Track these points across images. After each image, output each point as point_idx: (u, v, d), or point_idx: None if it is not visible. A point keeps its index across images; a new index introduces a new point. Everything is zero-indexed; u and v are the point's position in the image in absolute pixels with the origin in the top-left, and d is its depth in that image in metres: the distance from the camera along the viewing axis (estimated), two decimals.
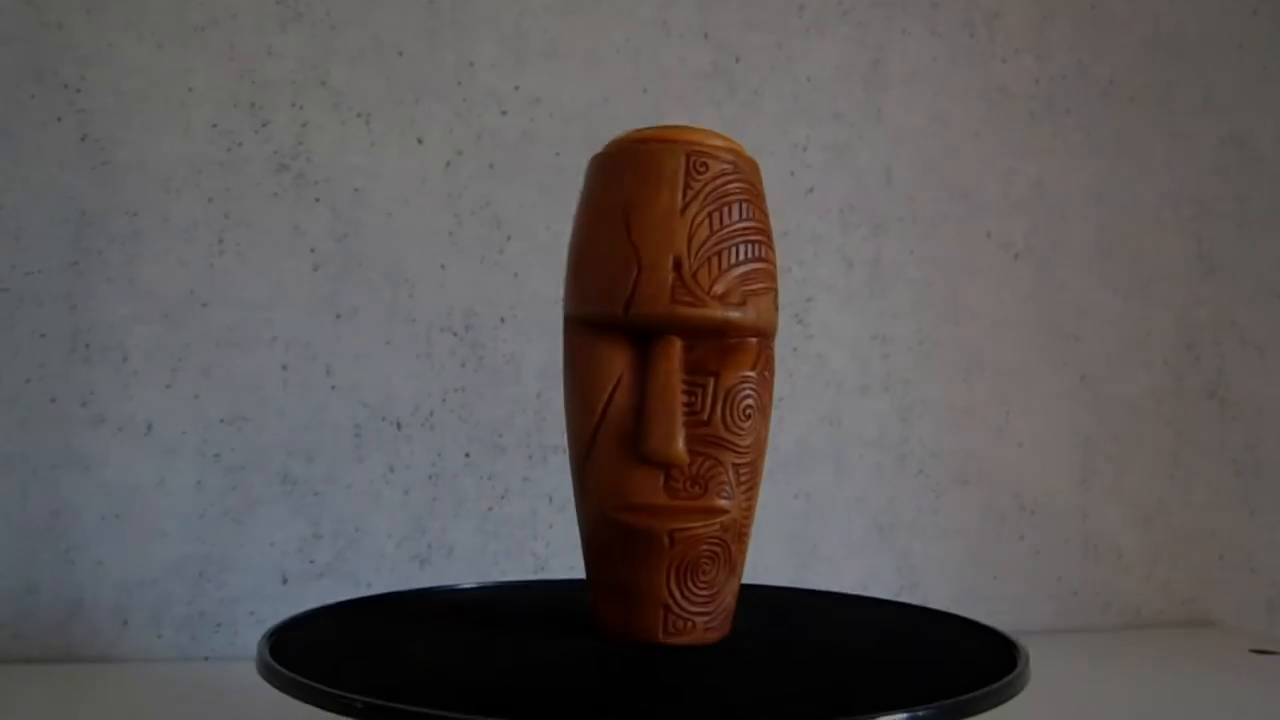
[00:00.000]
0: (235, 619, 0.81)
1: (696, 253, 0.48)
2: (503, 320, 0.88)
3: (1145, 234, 1.04)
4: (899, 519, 0.96)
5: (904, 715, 0.37)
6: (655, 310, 0.47)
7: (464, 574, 0.85)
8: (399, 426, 0.85)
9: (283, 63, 0.84)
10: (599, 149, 0.53)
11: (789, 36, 0.95)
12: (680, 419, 0.48)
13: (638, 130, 0.51)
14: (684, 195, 0.48)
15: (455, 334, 0.87)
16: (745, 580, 0.52)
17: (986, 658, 0.47)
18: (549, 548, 0.87)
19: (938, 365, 0.98)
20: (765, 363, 0.51)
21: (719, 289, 0.48)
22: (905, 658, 0.50)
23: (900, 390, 0.97)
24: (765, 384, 0.50)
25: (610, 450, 0.48)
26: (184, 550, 0.81)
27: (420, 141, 0.87)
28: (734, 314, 0.48)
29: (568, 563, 0.87)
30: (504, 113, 0.89)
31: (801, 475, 0.94)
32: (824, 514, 0.94)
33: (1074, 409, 1.01)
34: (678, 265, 0.47)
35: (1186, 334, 1.05)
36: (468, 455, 0.86)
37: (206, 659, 0.81)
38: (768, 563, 0.91)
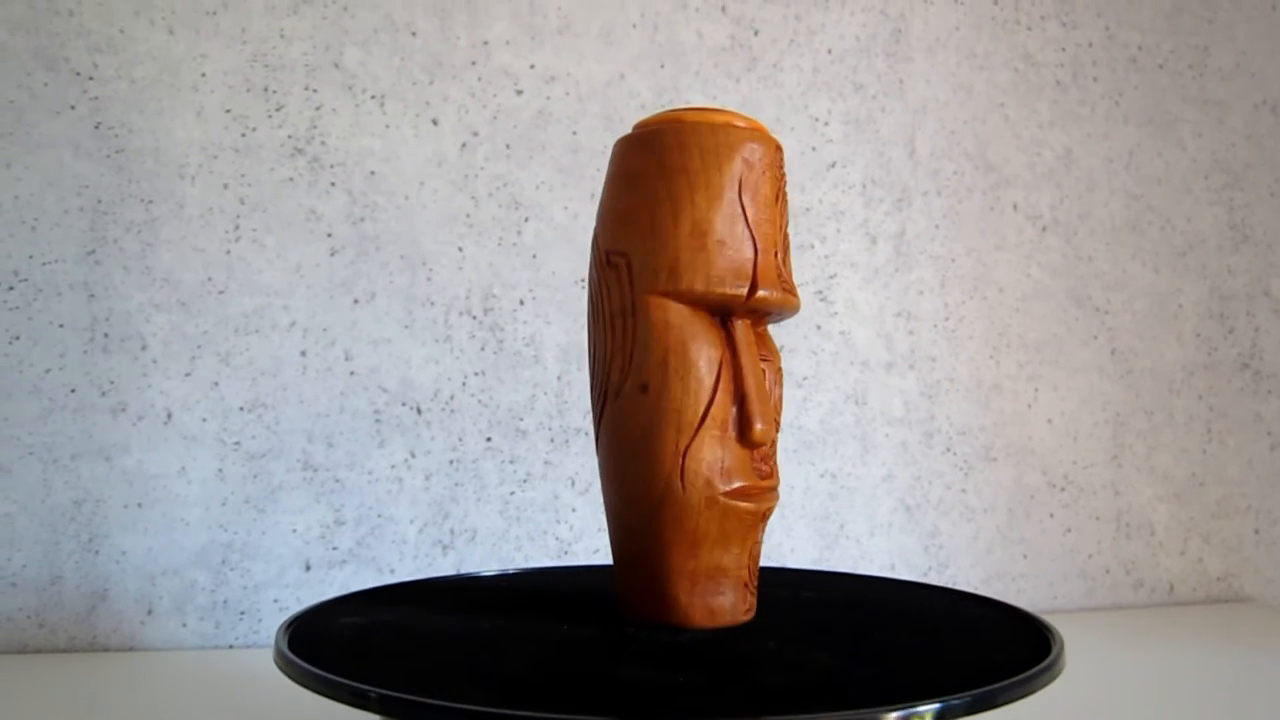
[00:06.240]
0: (259, 606, 0.81)
1: (784, 240, 0.49)
2: (522, 302, 0.87)
3: (1176, 204, 1.02)
4: (926, 498, 0.95)
5: (935, 705, 0.36)
6: (771, 295, 0.47)
7: (486, 559, 0.85)
8: (419, 411, 0.85)
9: (295, 45, 0.84)
10: (645, 121, 0.50)
11: (808, 8, 0.94)
12: (769, 401, 0.49)
13: (717, 110, 0.50)
14: (774, 183, 0.48)
15: (474, 317, 0.86)
16: (772, 562, 0.51)
17: (1020, 644, 0.46)
18: (572, 531, 0.86)
19: (964, 341, 0.96)
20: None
21: (793, 276, 0.49)
22: (934, 643, 0.49)
23: (926, 367, 0.95)
24: None
25: (715, 434, 0.47)
26: (206, 538, 0.81)
27: (435, 123, 0.86)
28: (797, 299, 0.49)
29: (590, 546, 0.86)
30: (519, 92, 0.87)
31: (827, 454, 0.92)
32: (850, 493, 0.93)
33: (1104, 383, 0.99)
34: (778, 251, 0.48)
35: (1219, 305, 1.02)
36: (489, 440, 0.86)
37: (231, 647, 0.81)
38: (794, 543, 0.90)
